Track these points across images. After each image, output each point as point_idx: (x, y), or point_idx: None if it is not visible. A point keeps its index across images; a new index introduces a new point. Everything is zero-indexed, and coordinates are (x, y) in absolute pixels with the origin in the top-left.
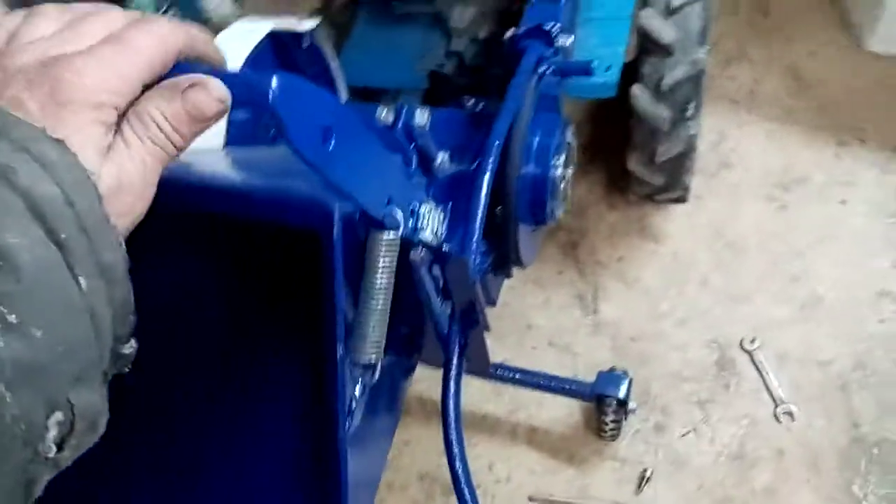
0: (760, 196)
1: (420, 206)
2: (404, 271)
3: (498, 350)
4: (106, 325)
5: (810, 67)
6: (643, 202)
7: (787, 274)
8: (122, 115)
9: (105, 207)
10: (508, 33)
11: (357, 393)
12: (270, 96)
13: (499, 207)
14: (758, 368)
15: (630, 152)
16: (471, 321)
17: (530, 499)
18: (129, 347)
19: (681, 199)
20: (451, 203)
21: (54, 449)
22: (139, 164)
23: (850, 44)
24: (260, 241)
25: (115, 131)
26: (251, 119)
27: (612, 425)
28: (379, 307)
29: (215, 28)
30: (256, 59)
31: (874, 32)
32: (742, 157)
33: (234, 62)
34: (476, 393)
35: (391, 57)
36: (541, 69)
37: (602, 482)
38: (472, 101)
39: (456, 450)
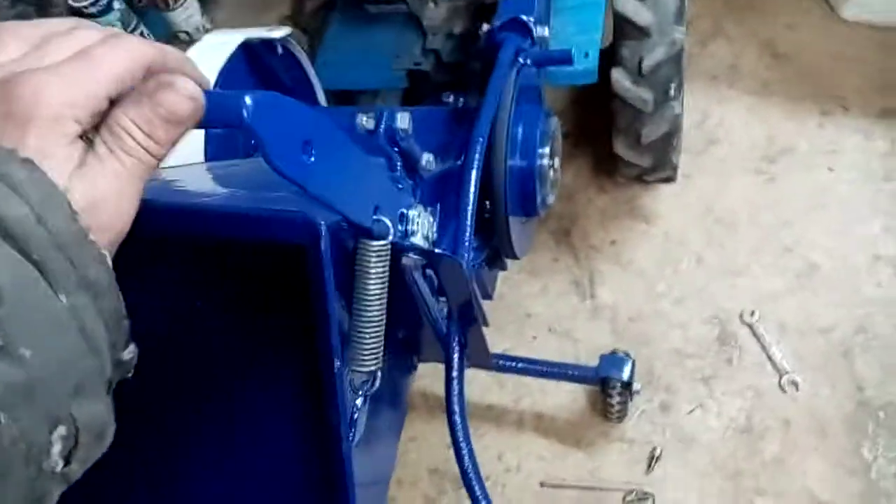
0: (748, 170)
1: (409, 211)
2: (397, 276)
3: (498, 340)
4: (99, 335)
5: (788, 39)
6: (632, 183)
7: (781, 245)
8: (96, 129)
9: (81, 223)
10: (484, 27)
11: (358, 403)
12: (245, 116)
13: (488, 202)
14: (759, 341)
15: (615, 136)
16: (469, 319)
17: (542, 485)
18: (129, 353)
19: (669, 179)
20: (439, 203)
21: (61, 463)
22: (112, 178)
23: (825, 13)
24: (249, 258)
25: (90, 148)
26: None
27: (617, 407)
28: (374, 316)
29: (186, 43)
30: (230, 70)
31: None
32: (727, 133)
33: (208, 75)
34: (479, 384)
35: (367, 58)
36: (520, 61)
37: (612, 464)
38: (452, 98)
39: (464, 449)
